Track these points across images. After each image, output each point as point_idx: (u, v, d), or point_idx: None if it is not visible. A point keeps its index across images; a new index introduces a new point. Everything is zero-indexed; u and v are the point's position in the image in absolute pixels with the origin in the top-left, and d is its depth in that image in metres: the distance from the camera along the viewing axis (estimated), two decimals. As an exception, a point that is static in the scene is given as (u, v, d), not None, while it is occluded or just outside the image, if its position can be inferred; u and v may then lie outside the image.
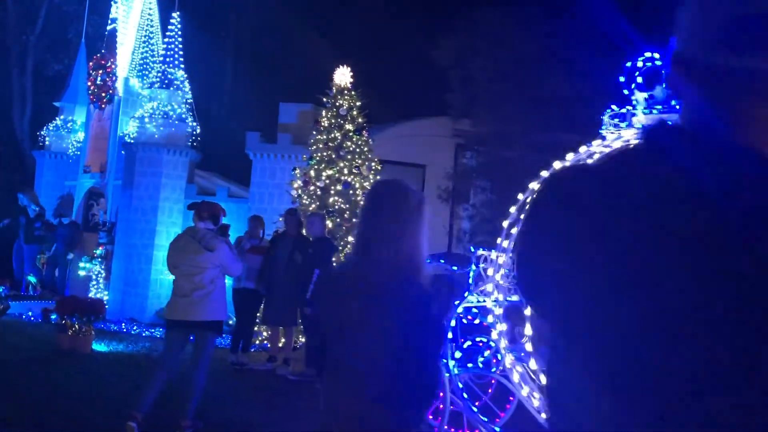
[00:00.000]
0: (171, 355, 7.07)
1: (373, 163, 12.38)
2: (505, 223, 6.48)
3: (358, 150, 12.28)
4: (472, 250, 6.43)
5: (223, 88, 21.33)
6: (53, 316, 12.90)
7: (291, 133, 14.71)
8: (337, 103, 12.38)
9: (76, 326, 10.93)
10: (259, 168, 14.73)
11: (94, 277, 16.04)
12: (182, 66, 16.07)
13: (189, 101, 16.22)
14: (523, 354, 5.59)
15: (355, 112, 12.42)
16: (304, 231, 10.81)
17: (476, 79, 13.58)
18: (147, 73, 17.55)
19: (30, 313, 14.65)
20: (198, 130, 16.04)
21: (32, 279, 17.71)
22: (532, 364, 5.41)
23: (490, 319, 6.17)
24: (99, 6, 20.90)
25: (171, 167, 15.54)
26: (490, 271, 6.34)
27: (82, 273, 16.43)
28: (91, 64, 17.87)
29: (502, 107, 13.49)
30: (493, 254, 6.39)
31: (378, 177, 12.50)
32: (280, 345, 11.15)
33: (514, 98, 13.43)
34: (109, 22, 17.99)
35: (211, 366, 10.44)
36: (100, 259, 16.07)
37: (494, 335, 6.04)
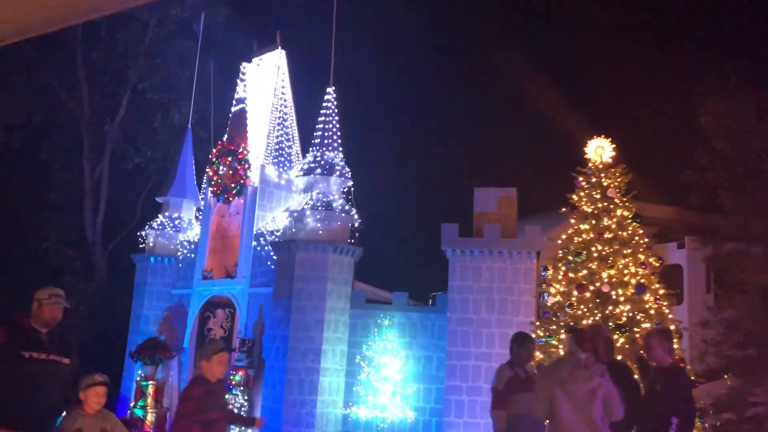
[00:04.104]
0: None
1: (651, 259, 9.51)
2: None
3: (634, 242, 9.45)
4: None
5: (371, 172, 18.59)
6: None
7: (492, 222, 11.92)
8: (604, 183, 9.66)
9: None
10: (459, 268, 11.81)
11: (235, 411, 12.73)
12: (340, 149, 13.47)
13: (350, 189, 13.52)
14: None
15: (618, 194, 9.68)
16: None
17: (730, 157, 10.94)
18: (282, 159, 14.96)
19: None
20: (358, 223, 13.25)
21: (140, 413, 14.37)
22: None
23: None
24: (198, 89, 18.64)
25: (336, 270, 12.63)
26: None
27: (219, 406, 13.12)
28: (214, 151, 15.28)
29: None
30: None
31: (653, 275, 9.60)
32: None
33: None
34: (234, 102, 15.57)
35: None
36: (242, 388, 12.83)
37: None
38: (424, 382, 12.12)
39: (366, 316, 12.63)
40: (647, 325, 8.95)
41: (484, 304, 11.56)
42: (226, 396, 12.88)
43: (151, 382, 14.39)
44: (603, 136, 10.02)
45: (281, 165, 14.82)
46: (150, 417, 14.23)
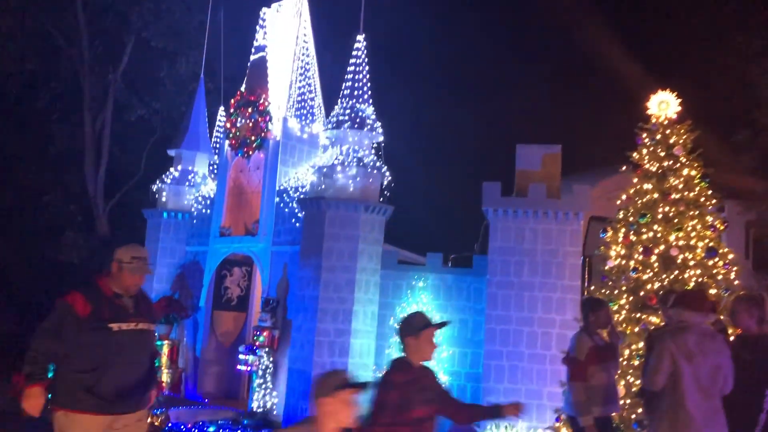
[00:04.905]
0: None
1: (717, 222, 8.99)
2: None
3: (700, 203, 8.92)
4: None
5: (402, 127, 17.63)
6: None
7: (535, 181, 11.33)
8: (671, 141, 9.06)
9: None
10: (501, 229, 11.24)
11: (260, 374, 12.24)
12: (371, 101, 12.73)
13: (380, 144, 12.83)
14: None
15: (683, 152, 9.09)
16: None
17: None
18: (304, 112, 14.19)
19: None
20: (389, 179, 12.60)
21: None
22: None
23: None
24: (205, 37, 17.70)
25: (368, 228, 12.02)
26: None
27: (243, 368, 12.63)
28: (233, 101, 14.46)
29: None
30: None
31: (719, 240, 9.09)
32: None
33: None
34: (253, 50, 14.69)
35: None
36: (267, 349, 12.31)
37: None
38: (459, 346, 11.66)
39: (397, 277, 12.10)
40: (713, 291, 8.48)
41: (527, 267, 11.03)
42: (249, 357, 12.44)
43: (165, 341, 13.82)
44: (668, 89, 9.39)
45: (304, 118, 14.06)
46: (165, 377, 13.68)
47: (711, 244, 8.64)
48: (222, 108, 17.25)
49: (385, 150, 13.36)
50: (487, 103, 18.05)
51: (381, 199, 12.55)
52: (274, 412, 12.15)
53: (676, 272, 8.56)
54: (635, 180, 9.17)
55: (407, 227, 15.13)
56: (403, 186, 13.63)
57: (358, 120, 12.31)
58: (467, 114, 17.56)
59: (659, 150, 9.12)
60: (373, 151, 12.65)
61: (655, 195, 8.94)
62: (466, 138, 15.98)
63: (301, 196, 12.60)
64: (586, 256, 12.40)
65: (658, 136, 9.17)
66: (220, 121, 17.04)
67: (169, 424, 11.00)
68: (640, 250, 8.64)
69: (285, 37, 14.54)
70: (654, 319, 8.36)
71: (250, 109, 13.92)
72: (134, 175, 21.44)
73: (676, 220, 8.77)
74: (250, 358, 12.39)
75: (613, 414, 7.18)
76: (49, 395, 4.47)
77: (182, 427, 11.04)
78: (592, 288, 9.38)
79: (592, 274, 12.64)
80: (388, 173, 12.55)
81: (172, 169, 15.91)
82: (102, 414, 4.35)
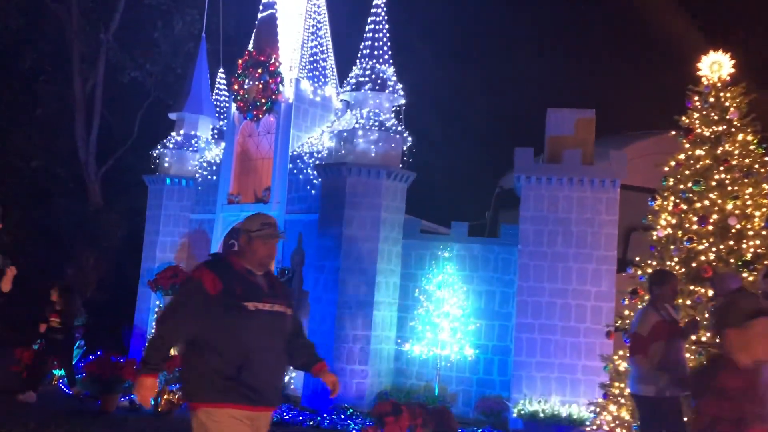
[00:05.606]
0: None
1: (771, 189, 8.55)
2: None
3: (755, 170, 8.47)
4: None
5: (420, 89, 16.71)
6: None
7: (568, 147, 10.81)
8: (726, 104, 8.55)
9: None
10: (533, 197, 10.74)
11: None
12: (391, 61, 12.06)
13: (401, 107, 12.19)
14: None
15: (738, 116, 8.60)
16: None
17: None
18: (317, 74, 13.48)
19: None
20: (410, 144, 12.02)
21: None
22: None
23: None
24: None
25: (390, 196, 11.47)
26: None
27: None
28: (240, 61, 13.67)
29: None
30: None
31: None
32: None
33: None
34: (262, 8, 13.86)
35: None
36: (283, 322, 11.77)
37: None
38: (486, 318, 11.24)
39: (420, 247, 11.61)
40: (769, 262, 8.08)
41: (561, 237, 10.57)
42: None
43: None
44: (722, 50, 8.86)
45: (316, 80, 13.36)
46: (173, 351, 13.12)
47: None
48: (221, 70, 16.46)
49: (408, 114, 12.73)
50: (511, 65, 17.38)
51: (402, 166, 11.99)
52: (292, 386, 11.70)
53: (731, 243, 8.15)
54: (686, 145, 8.67)
55: (424, 196, 14.57)
56: (420, 153, 13.06)
57: (378, 81, 11.66)
58: (489, 77, 16.90)
59: (712, 114, 8.62)
60: (393, 115, 12.04)
61: (708, 161, 8.47)
62: (487, 102, 15.35)
63: (318, 162, 11.99)
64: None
65: (711, 99, 8.66)
66: (219, 83, 16.27)
67: (184, 400, 10.50)
68: (694, 219, 8.19)
69: (296, -7, 13.75)
70: (706, 291, 7.96)
71: (259, 70, 13.17)
72: (127, 139, 20.59)
73: (729, 188, 8.33)
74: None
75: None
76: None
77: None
78: (637, 259, 8.94)
79: (617, 244, 12.24)
80: (409, 138, 11.97)
81: (173, 134, 15.16)
82: (249, 407, 3.75)
